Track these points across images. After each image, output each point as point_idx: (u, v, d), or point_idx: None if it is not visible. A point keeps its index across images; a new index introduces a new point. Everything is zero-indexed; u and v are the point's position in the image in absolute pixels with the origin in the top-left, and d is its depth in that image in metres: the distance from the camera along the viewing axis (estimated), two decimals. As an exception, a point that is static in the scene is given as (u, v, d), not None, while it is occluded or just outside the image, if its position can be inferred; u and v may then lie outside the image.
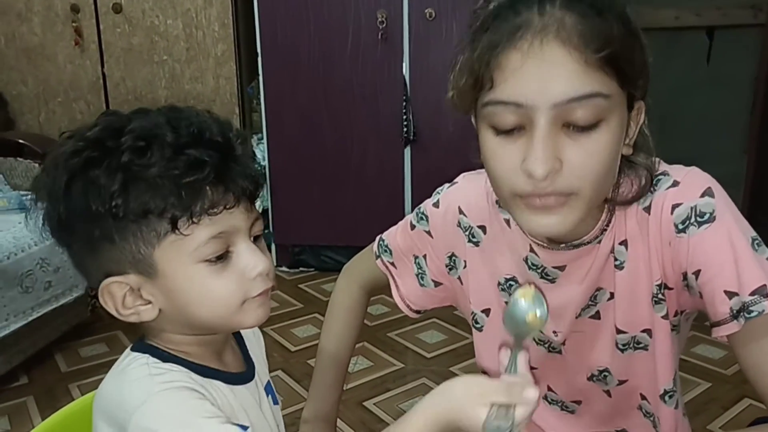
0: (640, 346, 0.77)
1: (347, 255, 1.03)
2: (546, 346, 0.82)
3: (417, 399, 1.85)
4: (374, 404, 1.87)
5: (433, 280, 0.90)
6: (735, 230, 0.66)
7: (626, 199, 0.70)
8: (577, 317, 0.78)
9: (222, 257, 0.58)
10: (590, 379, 0.81)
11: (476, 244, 0.84)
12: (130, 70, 3.04)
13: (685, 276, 0.69)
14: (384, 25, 2.65)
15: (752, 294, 0.64)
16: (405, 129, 2.74)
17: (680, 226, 0.67)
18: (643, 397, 0.81)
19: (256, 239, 0.61)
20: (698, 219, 0.66)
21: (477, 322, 0.87)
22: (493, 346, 0.85)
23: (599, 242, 0.73)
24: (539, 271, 0.78)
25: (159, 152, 0.54)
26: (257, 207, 0.63)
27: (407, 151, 2.79)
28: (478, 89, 0.63)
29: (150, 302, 0.58)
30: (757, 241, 0.67)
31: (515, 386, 0.53)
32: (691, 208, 0.66)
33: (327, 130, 2.82)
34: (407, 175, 2.82)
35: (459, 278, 0.88)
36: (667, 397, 0.78)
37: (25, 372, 2.09)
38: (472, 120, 0.70)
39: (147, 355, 0.60)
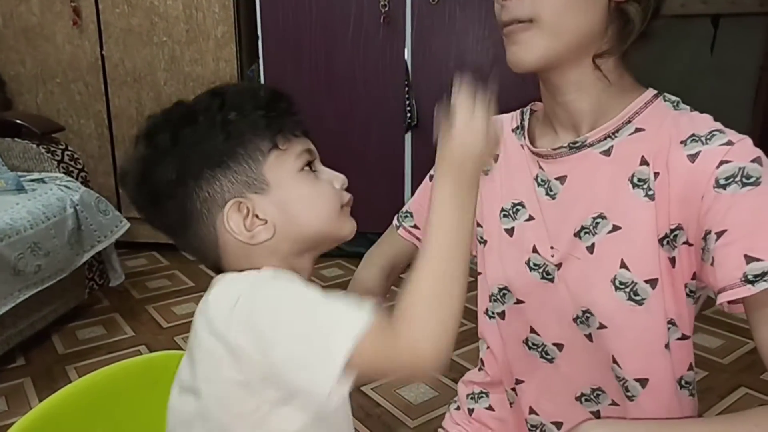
0: (637, 299, 0.73)
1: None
2: (541, 270, 0.81)
3: (415, 386, 1.87)
4: (371, 389, 1.88)
5: None
6: None
7: (611, 49, 0.71)
8: (575, 235, 0.76)
9: (312, 170, 0.68)
10: (575, 320, 0.79)
11: (485, 172, 0.87)
12: (129, 51, 3.00)
13: (705, 236, 0.67)
14: (386, 8, 2.63)
15: None
16: (408, 114, 2.72)
17: (722, 182, 0.65)
18: (615, 361, 0.77)
19: None
20: (744, 180, 0.64)
21: (481, 238, 0.89)
22: (493, 266, 0.87)
23: (608, 154, 0.74)
24: (545, 186, 0.80)
25: (246, 103, 0.64)
26: None
27: (408, 137, 2.77)
28: None
29: (265, 221, 0.64)
30: None
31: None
32: (740, 168, 0.65)
33: (328, 114, 2.80)
34: (408, 161, 2.80)
35: None
36: (667, 348, 0.74)
37: (22, 353, 2.10)
38: None
39: None
